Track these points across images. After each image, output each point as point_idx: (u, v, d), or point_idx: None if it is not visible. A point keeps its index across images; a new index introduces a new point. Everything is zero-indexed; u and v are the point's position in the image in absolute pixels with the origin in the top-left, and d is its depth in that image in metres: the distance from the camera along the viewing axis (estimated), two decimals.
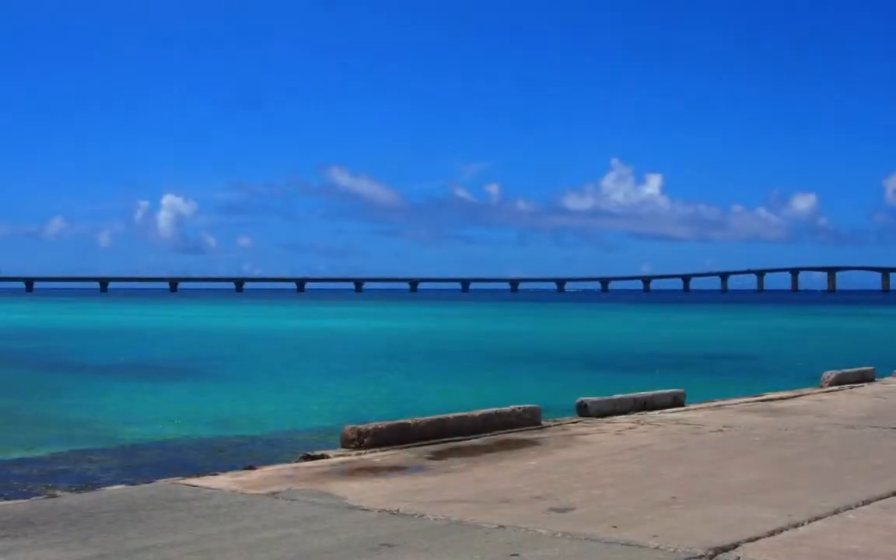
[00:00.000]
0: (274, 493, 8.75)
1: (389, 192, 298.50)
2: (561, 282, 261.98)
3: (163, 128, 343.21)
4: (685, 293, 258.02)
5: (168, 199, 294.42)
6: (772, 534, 7.25)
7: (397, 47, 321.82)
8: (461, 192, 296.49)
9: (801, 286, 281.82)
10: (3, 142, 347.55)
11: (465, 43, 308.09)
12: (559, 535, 7.20)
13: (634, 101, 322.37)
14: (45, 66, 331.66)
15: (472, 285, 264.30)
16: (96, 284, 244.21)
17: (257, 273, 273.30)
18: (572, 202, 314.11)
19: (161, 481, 9.64)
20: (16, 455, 17.76)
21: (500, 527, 7.44)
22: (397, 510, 8.05)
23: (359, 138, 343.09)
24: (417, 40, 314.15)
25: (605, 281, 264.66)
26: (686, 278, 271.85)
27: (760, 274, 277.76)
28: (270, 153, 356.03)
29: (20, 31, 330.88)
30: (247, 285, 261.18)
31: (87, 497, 8.72)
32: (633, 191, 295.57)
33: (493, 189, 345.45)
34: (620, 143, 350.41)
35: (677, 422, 13.89)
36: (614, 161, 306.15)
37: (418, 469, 10.13)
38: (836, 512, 8.01)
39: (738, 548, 6.87)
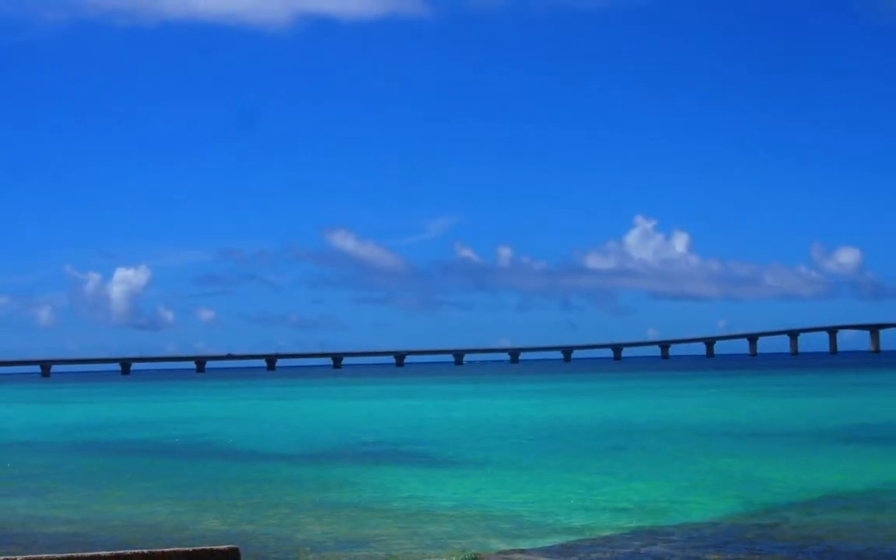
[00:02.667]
0: None
1: (378, 252, 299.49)
2: (567, 350, 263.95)
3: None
4: (709, 358, 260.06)
5: (120, 273, 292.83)
6: None
7: (388, 98, 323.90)
8: (467, 252, 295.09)
9: (841, 347, 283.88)
10: None
11: (468, 89, 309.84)
12: None
13: (660, 148, 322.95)
14: None
15: (467, 357, 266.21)
16: (37, 367, 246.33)
17: (214, 351, 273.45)
18: (583, 262, 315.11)
19: None
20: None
21: None
22: None
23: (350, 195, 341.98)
24: (407, 91, 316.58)
25: (617, 348, 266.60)
26: (710, 342, 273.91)
27: (794, 334, 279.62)
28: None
29: None
30: (209, 364, 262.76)
31: None
32: (652, 247, 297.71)
33: (498, 249, 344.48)
34: (642, 197, 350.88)
35: None
36: (637, 218, 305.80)
37: None
38: None
39: None
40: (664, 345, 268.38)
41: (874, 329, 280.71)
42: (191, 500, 20.72)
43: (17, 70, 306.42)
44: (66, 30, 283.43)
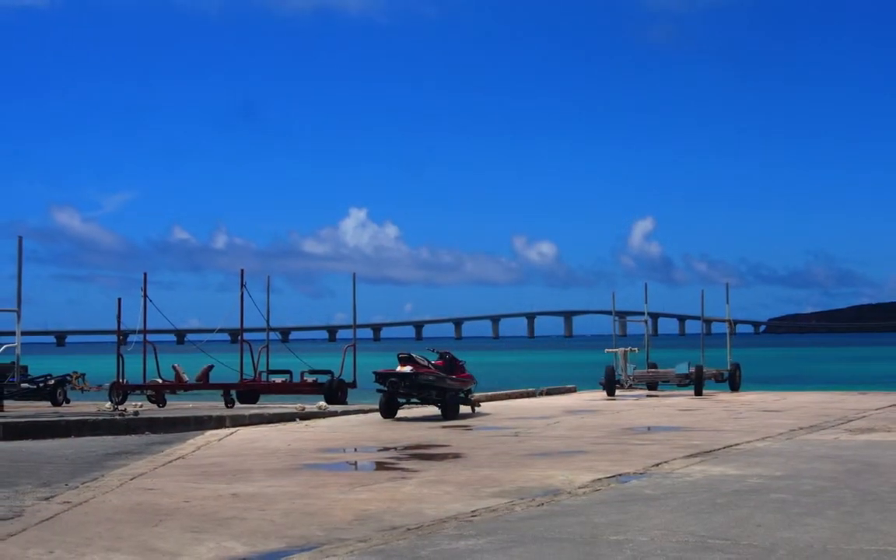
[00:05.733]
0: None
1: None
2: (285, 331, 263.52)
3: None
4: (417, 341, 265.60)
5: None
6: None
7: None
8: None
9: (538, 331, 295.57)
10: None
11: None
12: None
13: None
14: None
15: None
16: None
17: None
18: (303, 247, 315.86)
19: None
20: None
21: None
22: None
23: None
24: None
25: (332, 330, 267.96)
26: (418, 325, 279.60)
27: (495, 319, 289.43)
28: None
29: None
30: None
31: None
32: (367, 236, 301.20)
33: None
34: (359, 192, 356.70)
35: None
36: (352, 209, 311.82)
37: None
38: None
39: None
40: (377, 327, 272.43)
41: (568, 315, 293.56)
42: None
43: None
44: None
